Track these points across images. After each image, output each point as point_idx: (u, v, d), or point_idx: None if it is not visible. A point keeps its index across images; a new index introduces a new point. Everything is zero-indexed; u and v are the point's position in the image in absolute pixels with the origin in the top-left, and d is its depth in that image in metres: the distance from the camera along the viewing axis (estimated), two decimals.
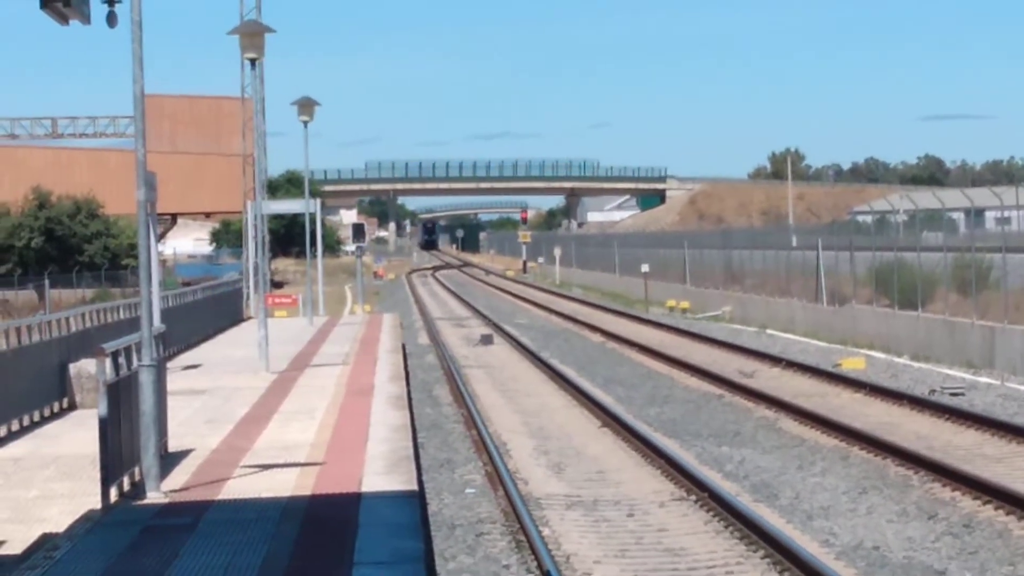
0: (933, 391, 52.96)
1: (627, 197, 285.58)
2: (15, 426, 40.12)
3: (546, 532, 28.63)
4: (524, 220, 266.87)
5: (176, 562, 22.07)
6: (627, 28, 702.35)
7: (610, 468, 37.67)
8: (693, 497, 32.58)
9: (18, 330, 45.13)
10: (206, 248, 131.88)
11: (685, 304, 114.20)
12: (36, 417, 41.95)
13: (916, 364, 63.48)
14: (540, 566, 25.66)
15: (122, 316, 56.14)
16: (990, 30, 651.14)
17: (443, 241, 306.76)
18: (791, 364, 64.88)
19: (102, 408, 30.06)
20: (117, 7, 23.34)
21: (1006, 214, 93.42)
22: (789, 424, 46.12)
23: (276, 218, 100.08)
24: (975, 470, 34.09)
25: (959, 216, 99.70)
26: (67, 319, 54.42)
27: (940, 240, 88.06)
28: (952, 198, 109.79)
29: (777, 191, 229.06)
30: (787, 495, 32.87)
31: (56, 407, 43.66)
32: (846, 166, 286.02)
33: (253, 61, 63.78)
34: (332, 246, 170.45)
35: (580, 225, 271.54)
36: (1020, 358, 58.48)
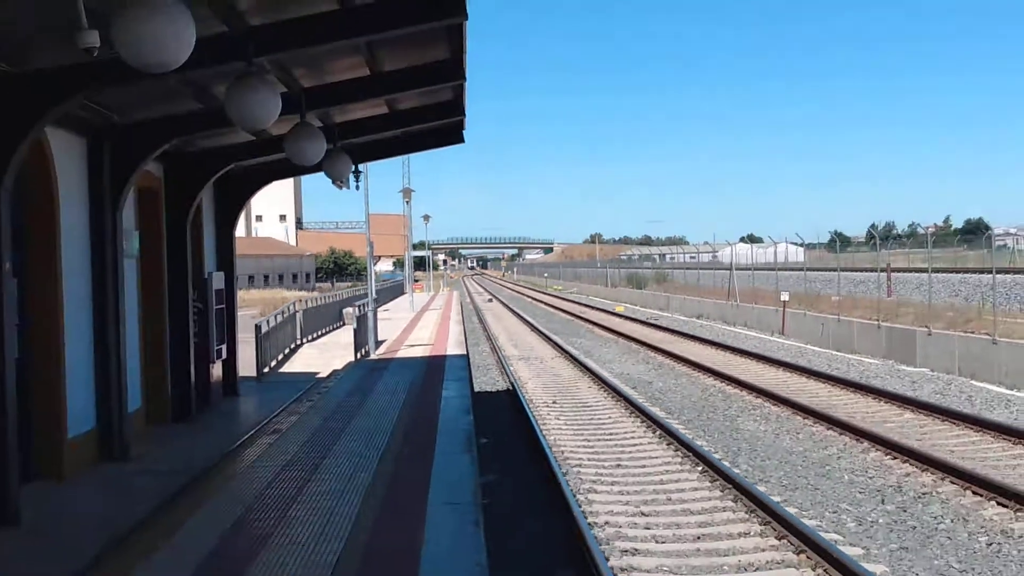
0: (648, 318, 51.73)
1: (539, 250, 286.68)
2: (323, 331, 40.56)
3: (511, 368, 29.45)
4: (504, 258, 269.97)
5: (382, 379, 23.33)
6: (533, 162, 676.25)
7: (535, 346, 37.90)
8: (562, 355, 33.52)
9: (325, 298, 46.80)
10: (391, 267, 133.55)
11: (559, 287, 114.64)
12: (330, 329, 42.31)
13: (641, 308, 62.16)
14: (508, 377, 27.01)
15: (361, 293, 56.68)
16: (675, 165, 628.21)
17: (473, 266, 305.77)
18: (596, 308, 62.90)
19: (353, 325, 32.43)
20: (361, 179, 23.81)
21: (673, 258, 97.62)
22: (597, 330, 45.69)
23: (416, 257, 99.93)
24: (663, 346, 34.27)
25: (657, 256, 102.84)
26: (342, 293, 56.43)
27: (651, 264, 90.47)
28: (656, 250, 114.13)
29: (593, 248, 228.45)
30: (595, 355, 33.35)
31: (338, 325, 43.86)
32: (619, 237, 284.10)
33: (407, 199, 65.95)
34: (435, 266, 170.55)
35: (522, 260, 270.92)
36: (679, 307, 58.35)
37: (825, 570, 10.12)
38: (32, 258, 12.67)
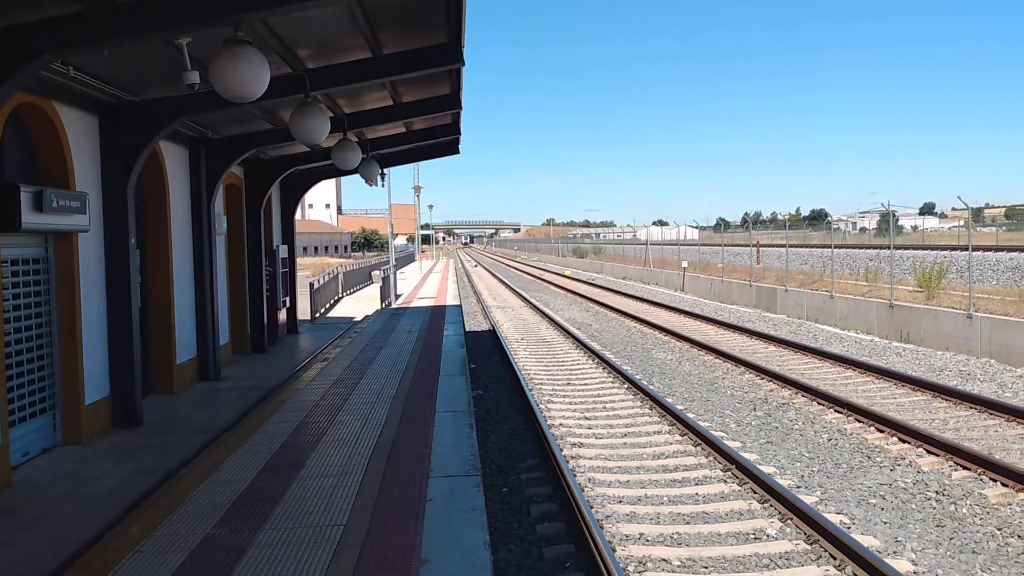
0: (588, 280, 50.16)
1: (510, 230, 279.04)
2: (358, 287, 40.21)
3: (492, 315, 28.81)
4: (485, 236, 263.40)
5: (400, 321, 23.14)
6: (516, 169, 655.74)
7: (508, 299, 37.09)
8: (527, 305, 32.69)
9: (359, 264, 46.32)
10: (405, 242, 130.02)
11: (525, 257, 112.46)
12: (362, 285, 41.62)
13: (583, 272, 60.55)
14: (489, 320, 26.48)
15: (384, 260, 55.81)
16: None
17: (466, 242, 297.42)
18: (551, 272, 61.06)
19: (379, 283, 32.23)
20: (385, 178, 23.75)
21: (605, 236, 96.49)
22: (552, 288, 44.39)
23: (423, 235, 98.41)
24: (599, 299, 33.51)
25: (594, 234, 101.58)
26: (370, 260, 55.86)
27: (590, 240, 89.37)
28: (593, 230, 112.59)
29: (549, 229, 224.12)
30: (552, 306, 32.36)
31: (368, 283, 43.17)
32: (567, 220, 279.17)
33: (417, 194, 65.16)
34: (437, 241, 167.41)
35: (498, 237, 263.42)
36: (610, 271, 56.85)
37: (715, 458, 10.22)
38: (150, 234, 12.53)
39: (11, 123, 8.83)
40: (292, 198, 20.59)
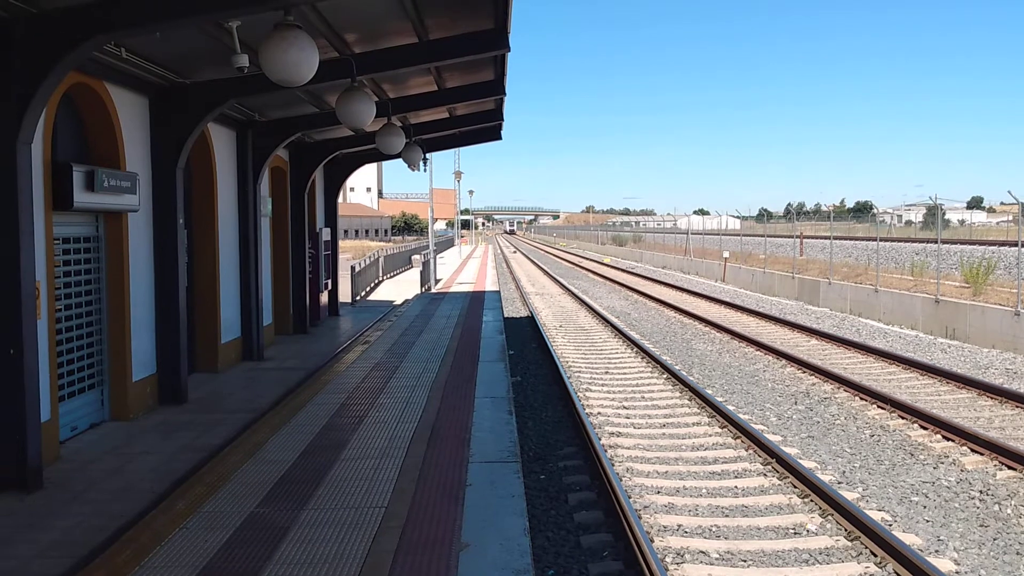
0: (627, 268, 49.93)
1: (548, 216, 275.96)
2: (397, 271, 40.41)
3: (530, 301, 28.82)
4: (524, 223, 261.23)
5: (440, 305, 23.27)
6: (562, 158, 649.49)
7: (547, 285, 36.89)
8: (566, 292, 32.57)
9: (399, 248, 46.28)
10: (444, 226, 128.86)
11: (564, 244, 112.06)
12: (402, 269, 41.75)
13: (622, 261, 60.30)
14: (528, 307, 26.44)
15: (423, 245, 55.99)
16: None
17: (510, 229, 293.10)
18: (591, 260, 60.56)
19: (419, 267, 32.28)
20: (428, 163, 23.62)
21: (645, 224, 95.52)
22: (591, 276, 44.06)
23: (462, 220, 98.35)
24: (639, 288, 33.25)
25: (634, 223, 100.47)
26: (410, 245, 55.71)
27: (630, 228, 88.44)
28: (632, 218, 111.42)
29: (588, 216, 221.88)
30: (590, 294, 32.35)
31: (407, 267, 43.84)
32: (606, 208, 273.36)
33: (458, 179, 65.20)
34: (476, 227, 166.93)
35: (537, 223, 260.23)
36: (649, 260, 55.36)
37: (755, 451, 10.12)
38: (197, 215, 12.69)
39: (64, 103, 8.98)
40: (336, 181, 20.73)
